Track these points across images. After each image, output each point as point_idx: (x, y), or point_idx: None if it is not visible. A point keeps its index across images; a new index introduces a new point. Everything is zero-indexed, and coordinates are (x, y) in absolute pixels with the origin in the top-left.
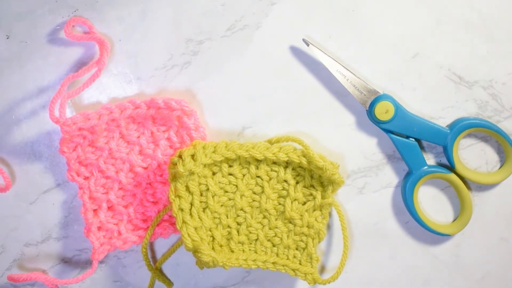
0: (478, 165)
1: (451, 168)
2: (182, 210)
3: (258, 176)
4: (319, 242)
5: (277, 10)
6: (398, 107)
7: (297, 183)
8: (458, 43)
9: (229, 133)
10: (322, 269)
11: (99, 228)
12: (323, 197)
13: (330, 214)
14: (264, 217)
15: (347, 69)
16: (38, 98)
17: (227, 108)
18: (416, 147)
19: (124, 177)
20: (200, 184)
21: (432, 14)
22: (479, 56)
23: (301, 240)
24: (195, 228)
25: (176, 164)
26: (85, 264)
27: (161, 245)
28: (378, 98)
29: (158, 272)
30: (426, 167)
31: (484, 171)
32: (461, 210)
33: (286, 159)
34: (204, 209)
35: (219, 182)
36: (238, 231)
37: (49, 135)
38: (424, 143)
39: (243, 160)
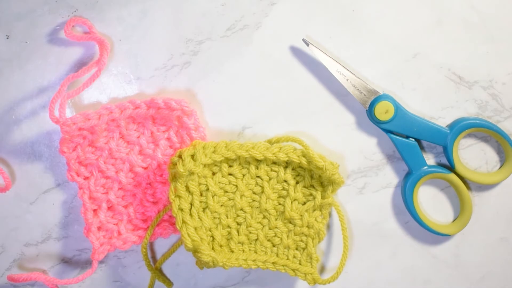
0: (478, 165)
1: (451, 168)
2: (182, 210)
3: (258, 176)
4: (319, 242)
5: (277, 10)
6: (398, 107)
7: (297, 183)
8: (458, 43)
9: (229, 133)
10: (322, 269)
11: (99, 228)
12: (323, 197)
13: (330, 214)
14: (264, 217)
15: (347, 69)
16: (38, 98)
17: (227, 108)
18: (416, 147)
19: (124, 177)
20: (200, 184)
21: (433, 14)
22: (479, 56)
23: (301, 240)
24: (195, 228)
25: (176, 164)
26: (85, 264)
27: (161, 245)
28: (378, 98)
29: (158, 272)
30: (426, 167)
31: (484, 171)
32: (461, 210)
33: (286, 159)
34: (204, 209)
35: (219, 182)
36: (238, 231)
37: (49, 135)
38: (424, 143)
39: (243, 160)
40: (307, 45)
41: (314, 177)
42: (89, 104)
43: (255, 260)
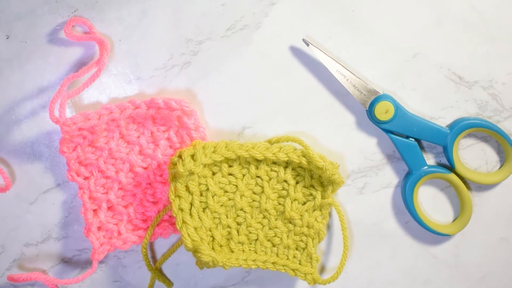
0: (478, 165)
1: (451, 168)
2: (182, 210)
3: (258, 176)
4: (319, 242)
5: (277, 10)
6: (398, 107)
7: (297, 183)
8: (458, 43)
9: (229, 133)
10: (322, 269)
11: (99, 228)
12: (323, 197)
13: (330, 214)
14: (264, 217)
15: (347, 69)
16: (38, 98)
17: (227, 108)
18: (416, 147)
19: (124, 177)
20: (200, 184)
21: (432, 14)
22: (479, 56)
23: (301, 240)
24: (195, 228)
25: (176, 164)
26: (85, 264)
27: (161, 245)
28: (378, 98)
29: (158, 272)
30: (426, 167)
31: (484, 171)
32: (461, 210)
33: (286, 159)
34: (204, 209)
35: (219, 182)
36: (238, 231)
37: (49, 135)
38: (424, 143)
39: (243, 160)
40: (307, 45)
41: (314, 177)
42: (89, 104)
43: (255, 260)
